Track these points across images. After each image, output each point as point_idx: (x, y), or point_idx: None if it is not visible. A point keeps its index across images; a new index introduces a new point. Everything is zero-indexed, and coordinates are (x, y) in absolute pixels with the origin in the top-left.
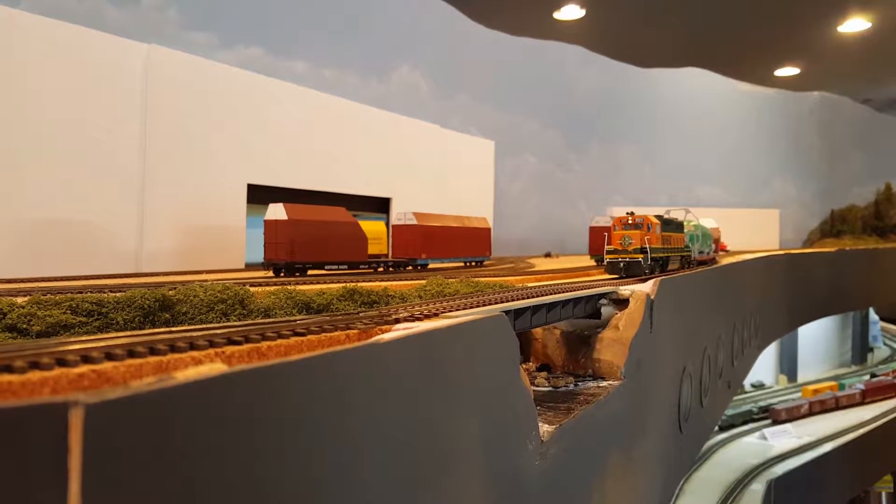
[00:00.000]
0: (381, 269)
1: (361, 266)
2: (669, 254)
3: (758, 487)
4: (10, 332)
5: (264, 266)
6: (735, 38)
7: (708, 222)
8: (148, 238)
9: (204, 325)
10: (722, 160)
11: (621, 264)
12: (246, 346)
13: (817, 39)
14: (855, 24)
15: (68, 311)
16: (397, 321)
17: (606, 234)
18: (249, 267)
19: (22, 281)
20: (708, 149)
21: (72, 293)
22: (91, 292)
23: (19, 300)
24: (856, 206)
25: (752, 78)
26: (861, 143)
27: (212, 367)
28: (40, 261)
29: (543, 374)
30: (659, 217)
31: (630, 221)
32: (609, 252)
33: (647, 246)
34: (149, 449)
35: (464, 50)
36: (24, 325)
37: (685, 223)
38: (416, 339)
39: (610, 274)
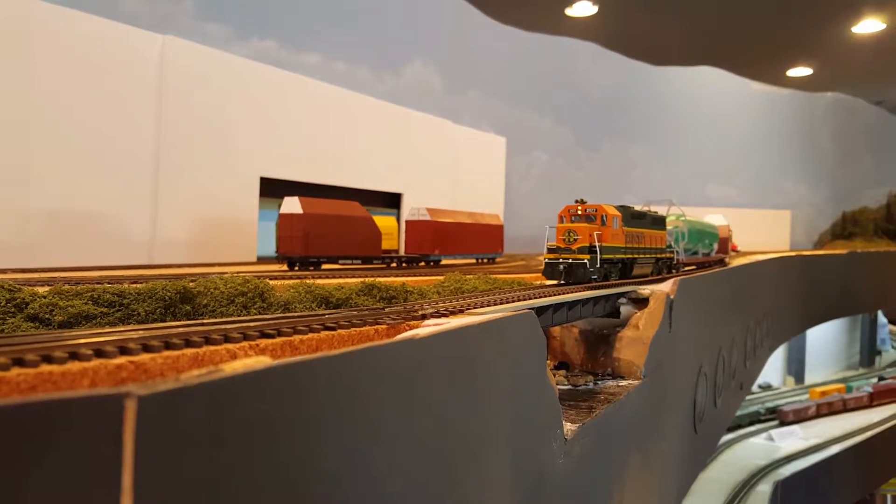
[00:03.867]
0: (393, 265)
1: (375, 261)
2: (637, 254)
3: (764, 488)
4: (33, 322)
5: (278, 259)
6: (748, 37)
7: (715, 219)
8: (161, 229)
9: (236, 318)
10: (734, 160)
11: (561, 267)
12: (279, 340)
13: (831, 40)
14: (869, 25)
15: (90, 302)
16: (424, 317)
17: (549, 227)
18: (261, 260)
19: (40, 271)
20: (720, 148)
21: (91, 284)
22: (109, 283)
23: (40, 290)
24: (868, 208)
25: (765, 78)
26: (874, 146)
27: (258, 360)
28: (56, 251)
29: (562, 372)
30: (624, 208)
31: (579, 212)
32: (550, 250)
33: (597, 244)
34: (197, 441)
35: (476, 45)
36: (47, 316)
37: (673, 217)
38: (450, 335)
39: (548, 279)
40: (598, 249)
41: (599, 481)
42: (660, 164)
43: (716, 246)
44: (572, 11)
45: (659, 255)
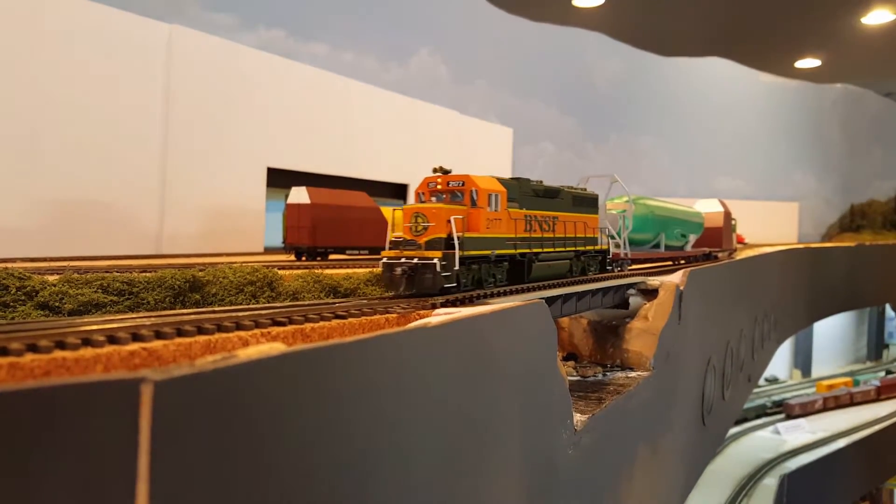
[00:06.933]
0: None
1: (382, 251)
2: (541, 248)
3: (771, 482)
4: (43, 310)
5: (285, 249)
6: (757, 28)
7: (707, 205)
8: (169, 219)
9: (246, 307)
10: (742, 152)
11: (399, 270)
12: (290, 328)
13: (840, 30)
14: (879, 16)
15: (99, 290)
16: (434, 306)
17: (393, 210)
18: (268, 250)
19: (49, 260)
20: (728, 140)
21: (100, 273)
22: (118, 272)
23: (50, 279)
24: (876, 200)
25: (774, 69)
26: (883, 138)
27: (272, 347)
28: (64, 240)
29: (571, 363)
30: (520, 182)
31: (439, 186)
32: (393, 244)
33: (456, 235)
34: (211, 426)
35: (483, 35)
36: (57, 304)
37: (622, 200)
38: (461, 324)
39: (386, 288)
40: (456, 244)
41: (608, 472)
42: (668, 155)
43: (692, 238)
44: (579, 1)
45: (581, 249)
